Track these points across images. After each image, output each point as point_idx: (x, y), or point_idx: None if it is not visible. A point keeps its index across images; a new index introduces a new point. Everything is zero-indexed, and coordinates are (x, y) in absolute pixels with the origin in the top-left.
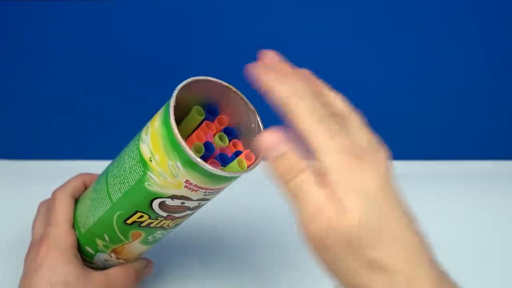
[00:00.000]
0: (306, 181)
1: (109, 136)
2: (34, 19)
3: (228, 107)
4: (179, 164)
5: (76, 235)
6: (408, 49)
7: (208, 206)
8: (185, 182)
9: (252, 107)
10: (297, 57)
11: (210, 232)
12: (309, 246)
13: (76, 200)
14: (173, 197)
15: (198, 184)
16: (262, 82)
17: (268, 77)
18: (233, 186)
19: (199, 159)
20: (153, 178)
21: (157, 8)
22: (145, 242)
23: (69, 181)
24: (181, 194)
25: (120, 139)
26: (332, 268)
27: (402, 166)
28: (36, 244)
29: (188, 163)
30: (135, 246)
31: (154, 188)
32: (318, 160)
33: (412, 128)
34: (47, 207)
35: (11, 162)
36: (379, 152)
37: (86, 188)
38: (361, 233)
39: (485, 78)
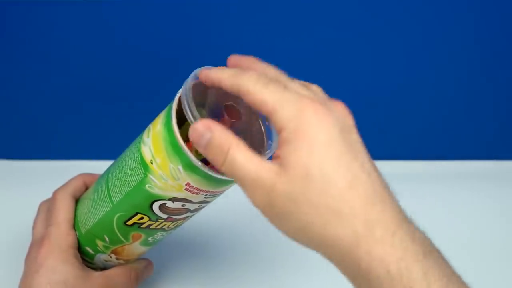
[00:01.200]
0: (236, 155)
1: (110, 136)
2: (34, 18)
3: (232, 108)
4: (180, 167)
5: (76, 235)
6: (406, 49)
7: (209, 206)
8: (186, 185)
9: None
10: (293, 55)
11: (210, 231)
12: (269, 221)
13: (77, 201)
14: (173, 199)
15: (199, 187)
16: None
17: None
18: (235, 187)
19: (200, 163)
20: (154, 181)
21: (162, 7)
22: (145, 243)
23: (69, 181)
24: (181, 197)
25: (121, 139)
26: (294, 233)
27: (402, 166)
28: (36, 244)
29: (190, 167)
30: (135, 247)
31: (155, 191)
32: (273, 124)
33: (412, 128)
34: (47, 207)
35: (11, 162)
36: (340, 104)
37: (87, 188)
38: (304, 187)
39: (486, 78)
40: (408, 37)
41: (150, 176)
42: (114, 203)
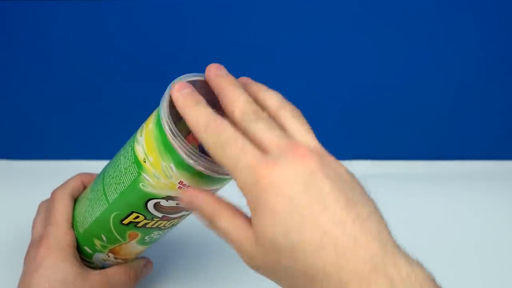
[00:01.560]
0: (220, 224)
1: (109, 136)
2: (33, 19)
3: None
4: (172, 165)
5: (75, 234)
6: (406, 49)
7: None
8: (178, 183)
9: None
10: (294, 57)
11: (209, 231)
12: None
13: (75, 200)
14: (167, 198)
15: (192, 185)
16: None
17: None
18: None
19: (191, 161)
20: (147, 179)
21: (157, 8)
22: (142, 242)
23: (68, 181)
24: (175, 195)
25: (119, 139)
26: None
27: (402, 166)
28: (35, 244)
29: (181, 165)
30: (133, 246)
31: (149, 189)
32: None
33: (412, 128)
34: (46, 207)
35: (11, 162)
36: (301, 149)
37: (85, 188)
38: (277, 257)
39: (486, 78)
40: (407, 37)
41: (144, 174)
42: (110, 202)
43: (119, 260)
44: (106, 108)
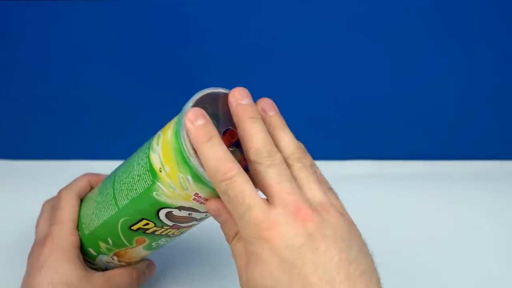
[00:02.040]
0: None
1: (111, 137)
2: (32, 19)
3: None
4: (189, 177)
5: (79, 235)
6: (412, 48)
7: None
8: (194, 195)
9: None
10: (294, 56)
11: (212, 233)
12: None
13: (81, 201)
14: (181, 208)
15: (208, 197)
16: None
17: None
18: None
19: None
20: (162, 189)
21: (157, 8)
22: (148, 248)
23: (75, 181)
24: (189, 206)
25: (122, 139)
26: None
27: (402, 166)
28: (39, 243)
29: (199, 178)
30: (138, 251)
31: (163, 198)
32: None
33: (412, 128)
34: (52, 206)
35: (11, 162)
36: (303, 208)
37: (91, 188)
38: None
39: (486, 78)
40: (407, 37)
41: (158, 183)
42: (120, 207)
43: (123, 263)
44: (106, 108)
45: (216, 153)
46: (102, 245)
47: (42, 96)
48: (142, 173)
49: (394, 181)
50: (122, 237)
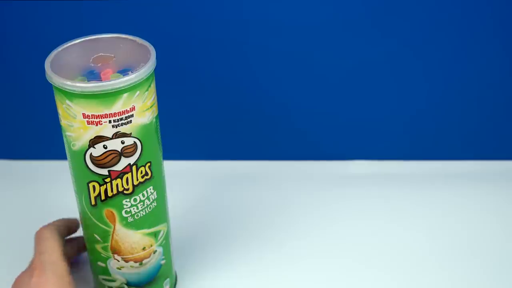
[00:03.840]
0: None
1: None
2: (32, 19)
3: (119, 55)
4: (68, 101)
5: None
6: (412, 48)
7: (211, 208)
8: (84, 117)
9: (145, 42)
10: (295, 57)
11: (214, 233)
12: None
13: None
14: (92, 143)
15: (95, 113)
16: None
17: None
18: (234, 187)
19: (69, 82)
20: (69, 135)
21: (157, 8)
22: (126, 223)
23: (52, 222)
24: (94, 136)
25: None
26: None
27: (402, 166)
28: (28, 271)
29: (71, 95)
30: (125, 234)
31: (76, 144)
32: None
33: (412, 129)
34: (35, 241)
35: (11, 162)
36: None
37: (69, 232)
38: None
39: (486, 78)
40: (407, 36)
41: (66, 133)
42: (75, 188)
43: (131, 263)
44: None
45: None
46: (97, 246)
47: (42, 96)
48: (64, 142)
49: (394, 181)
50: (95, 220)
